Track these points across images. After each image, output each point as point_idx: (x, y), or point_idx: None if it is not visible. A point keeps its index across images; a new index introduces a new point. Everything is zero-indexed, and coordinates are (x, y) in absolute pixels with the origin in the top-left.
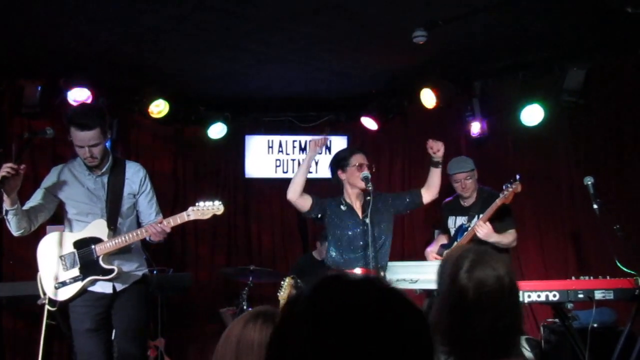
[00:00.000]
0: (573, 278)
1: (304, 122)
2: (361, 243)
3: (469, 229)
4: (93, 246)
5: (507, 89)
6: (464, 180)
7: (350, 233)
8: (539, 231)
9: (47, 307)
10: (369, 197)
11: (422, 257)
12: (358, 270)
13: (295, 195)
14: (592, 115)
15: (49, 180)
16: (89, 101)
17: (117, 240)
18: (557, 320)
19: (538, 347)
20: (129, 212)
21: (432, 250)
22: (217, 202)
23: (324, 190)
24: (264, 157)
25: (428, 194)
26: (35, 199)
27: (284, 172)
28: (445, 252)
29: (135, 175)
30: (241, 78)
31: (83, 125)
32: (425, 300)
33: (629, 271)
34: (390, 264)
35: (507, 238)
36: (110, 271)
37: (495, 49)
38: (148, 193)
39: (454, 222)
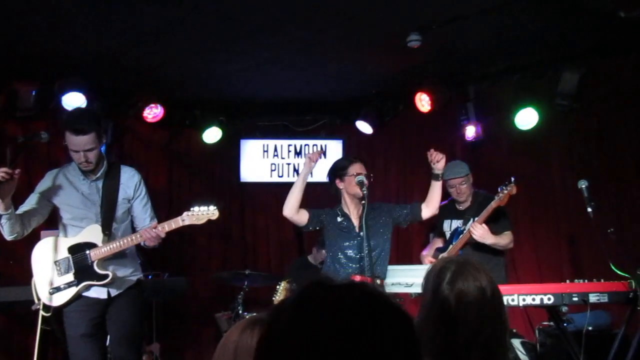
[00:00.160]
0: (567, 281)
1: (299, 126)
2: (358, 254)
3: (465, 232)
4: (87, 251)
5: (502, 93)
6: (459, 186)
7: (346, 244)
8: (534, 234)
9: (41, 312)
10: (363, 202)
11: (417, 261)
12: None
13: (292, 212)
14: (586, 119)
15: (43, 184)
16: (84, 105)
17: (111, 246)
18: (552, 323)
19: (533, 350)
20: (124, 217)
21: (427, 253)
22: (211, 207)
23: (319, 196)
24: (259, 161)
25: (428, 209)
26: (30, 203)
27: (279, 176)
28: (430, 262)
29: (130, 180)
30: (236, 82)
31: (78, 130)
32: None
33: (623, 274)
34: None
35: (504, 239)
36: (105, 276)
37: (490, 53)
38: (143, 198)
39: (450, 225)
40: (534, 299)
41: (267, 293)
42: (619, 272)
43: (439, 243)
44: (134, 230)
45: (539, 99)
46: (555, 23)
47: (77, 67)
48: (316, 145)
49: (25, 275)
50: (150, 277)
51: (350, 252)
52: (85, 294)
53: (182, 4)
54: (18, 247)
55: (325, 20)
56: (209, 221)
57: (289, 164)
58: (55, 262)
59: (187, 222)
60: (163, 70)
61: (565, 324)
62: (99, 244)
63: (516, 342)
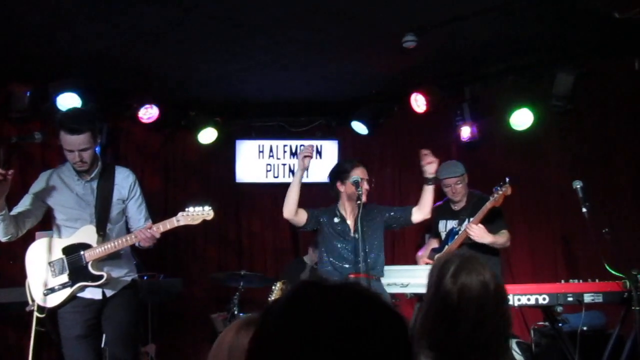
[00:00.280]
0: (562, 281)
1: (294, 127)
2: (353, 255)
3: (460, 232)
4: (82, 252)
5: (497, 94)
6: (454, 185)
7: (342, 245)
8: (529, 234)
9: (35, 313)
10: (358, 202)
11: (413, 262)
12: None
13: (292, 213)
14: (580, 120)
15: (37, 185)
16: (78, 105)
17: (106, 246)
18: (547, 323)
19: (528, 350)
20: (118, 217)
21: (423, 254)
22: (206, 208)
23: (314, 197)
24: (255, 161)
25: (419, 213)
26: (24, 204)
27: (274, 177)
28: (436, 256)
29: (124, 180)
30: (231, 83)
31: (73, 129)
32: (416, 304)
33: (617, 274)
34: None
35: (502, 238)
36: (100, 277)
37: (485, 54)
38: (137, 199)
39: (445, 226)
40: (529, 299)
41: (263, 294)
42: (613, 273)
43: (434, 244)
44: (128, 231)
45: (534, 100)
46: (550, 24)
47: (72, 67)
48: (311, 145)
49: (19, 276)
50: (145, 277)
51: (345, 253)
52: (80, 294)
53: (179, 4)
54: (13, 247)
55: (321, 22)
56: (204, 221)
57: (284, 165)
58: (50, 263)
59: (182, 223)
60: (158, 70)
61: (560, 324)
62: (94, 244)
63: (511, 342)
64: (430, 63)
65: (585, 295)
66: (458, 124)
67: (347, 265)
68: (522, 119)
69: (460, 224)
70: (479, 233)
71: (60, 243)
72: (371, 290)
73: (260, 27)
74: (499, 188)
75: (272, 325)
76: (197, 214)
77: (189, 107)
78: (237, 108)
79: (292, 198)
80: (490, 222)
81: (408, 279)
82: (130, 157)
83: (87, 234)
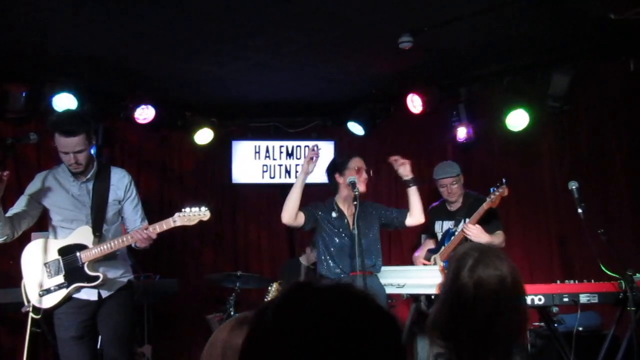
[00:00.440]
0: (558, 282)
1: (291, 128)
2: (350, 252)
3: (457, 233)
4: (78, 253)
5: (493, 95)
6: (450, 185)
7: (339, 241)
8: (524, 235)
9: (31, 314)
10: (355, 202)
11: (409, 262)
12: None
13: (292, 218)
14: (576, 121)
15: (32, 186)
16: (74, 107)
17: (102, 247)
18: (542, 324)
19: (524, 351)
20: (114, 218)
21: (419, 255)
22: (203, 208)
23: (312, 196)
24: (251, 162)
25: (411, 218)
26: (19, 205)
27: (271, 178)
28: (432, 257)
29: (120, 181)
30: (227, 83)
31: (68, 132)
32: (412, 304)
33: (613, 275)
34: None
35: (498, 239)
36: (96, 278)
37: (481, 55)
38: (133, 199)
39: (441, 226)
40: None
41: (259, 295)
42: (609, 273)
43: (430, 244)
44: (124, 231)
45: (530, 101)
46: (546, 25)
47: (68, 68)
48: (308, 146)
49: (15, 277)
50: (143, 277)
51: (343, 249)
52: (75, 295)
53: (175, 5)
54: (9, 248)
55: (317, 23)
56: (201, 222)
57: (280, 165)
58: (45, 264)
59: (178, 223)
60: (154, 71)
61: (555, 325)
62: (90, 245)
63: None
64: (426, 64)
65: (581, 295)
66: (454, 125)
67: (345, 262)
68: (518, 119)
69: (456, 224)
70: (476, 233)
71: (56, 244)
72: (364, 291)
73: (257, 28)
74: (495, 189)
75: (265, 327)
76: (194, 214)
77: (185, 107)
78: (234, 109)
79: (292, 202)
80: (487, 223)
81: (404, 280)
82: (126, 158)
83: (83, 234)
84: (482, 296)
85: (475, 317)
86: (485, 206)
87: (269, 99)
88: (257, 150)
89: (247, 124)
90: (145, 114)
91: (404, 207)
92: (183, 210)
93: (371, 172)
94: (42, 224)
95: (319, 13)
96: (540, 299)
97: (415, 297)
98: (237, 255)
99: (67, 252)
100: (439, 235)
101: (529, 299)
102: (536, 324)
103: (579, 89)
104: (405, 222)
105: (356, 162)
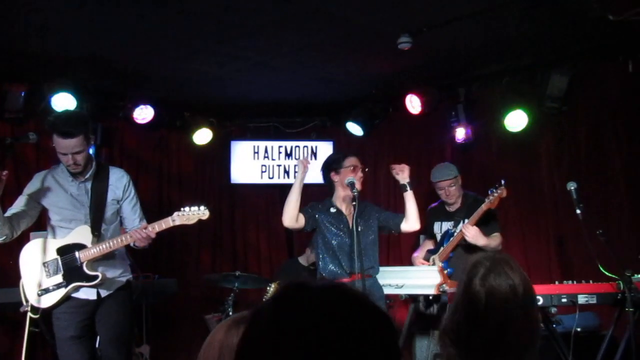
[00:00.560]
0: (556, 282)
1: (289, 128)
2: (350, 252)
3: (455, 234)
4: (77, 252)
5: (491, 95)
6: (448, 188)
7: (339, 241)
8: (523, 236)
9: (29, 314)
10: (354, 203)
11: (408, 263)
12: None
13: (293, 221)
14: (575, 121)
15: (31, 186)
16: (73, 106)
17: (101, 247)
18: (541, 324)
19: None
20: (113, 218)
21: (418, 255)
22: (202, 207)
23: (310, 196)
24: (250, 162)
25: (406, 224)
26: (18, 205)
27: (269, 178)
28: (431, 257)
29: (118, 181)
30: (226, 83)
31: (66, 133)
32: (411, 305)
33: (611, 275)
34: None
35: (495, 241)
36: (95, 277)
37: (480, 56)
38: (132, 199)
39: (440, 227)
40: None
41: (258, 295)
42: (607, 274)
43: (429, 245)
44: (123, 231)
45: (528, 102)
46: (545, 26)
47: (67, 68)
48: (306, 146)
49: (13, 276)
50: (141, 277)
51: (343, 251)
52: (74, 295)
53: (174, 5)
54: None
55: (316, 23)
56: (200, 221)
57: (279, 166)
58: (44, 263)
59: (177, 222)
60: (153, 71)
61: (554, 325)
62: (88, 245)
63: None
64: (425, 64)
65: (579, 296)
66: (453, 125)
67: (344, 263)
68: (516, 120)
69: (455, 225)
70: (473, 234)
71: (54, 243)
72: (359, 291)
73: (256, 28)
74: (494, 190)
75: (260, 327)
76: (193, 213)
77: (184, 107)
78: (232, 109)
79: (292, 206)
80: (485, 224)
81: (403, 280)
82: (125, 158)
83: (81, 234)
84: (494, 305)
85: (486, 325)
86: (484, 207)
87: (268, 99)
88: (256, 151)
89: (246, 124)
90: (144, 114)
91: (402, 211)
92: (182, 209)
93: (366, 170)
94: (41, 223)
95: (318, 13)
96: (538, 300)
97: (413, 298)
98: (235, 255)
99: (66, 251)
100: (438, 236)
101: None
102: None
103: (578, 89)
104: (401, 227)
105: (351, 161)
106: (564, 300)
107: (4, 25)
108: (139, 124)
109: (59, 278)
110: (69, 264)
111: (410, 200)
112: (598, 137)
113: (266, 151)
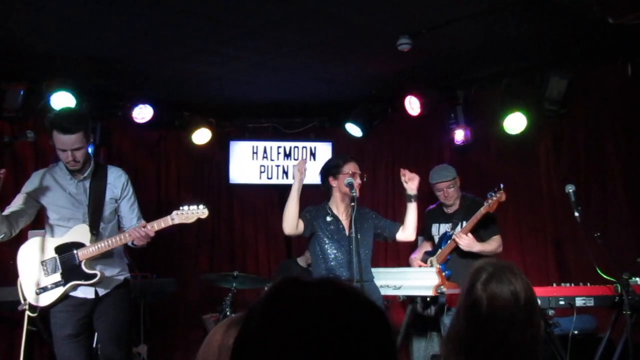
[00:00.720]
0: (554, 285)
1: (288, 128)
2: (346, 257)
3: (454, 235)
4: (75, 251)
5: (491, 98)
6: (446, 189)
7: (335, 246)
8: (521, 238)
9: (27, 313)
10: (353, 204)
11: (405, 264)
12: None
13: (293, 228)
14: (573, 124)
15: (30, 185)
16: (72, 105)
17: (99, 245)
18: (543, 331)
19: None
20: (111, 217)
21: (416, 257)
22: (201, 206)
23: (309, 197)
24: (249, 162)
25: (403, 233)
26: (16, 203)
27: (268, 178)
28: (429, 259)
29: (117, 180)
30: (226, 84)
31: (66, 129)
32: (409, 306)
33: (609, 278)
34: (373, 270)
35: (491, 245)
36: (93, 276)
37: (479, 58)
38: (130, 198)
39: (438, 229)
40: None
41: (255, 295)
42: (605, 277)
43: (427, 247)
44: (120, 230)
45: (527, 104)
46: (544, 28)
47: (66, 67)
48: (305, 147)
49: (10, 275)
50: (140, 277)
51: (339, 254)
52: (72, 293)
53: (173, 5)
54: (6, 247)
55: (316, 24)
56: (199, 220)
57: (278, 166)
58: (42, 262)
59: (176, 221)
60: (152, 71)
61: (551, 328)
62: (87, 243)
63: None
64: (424, 66)
65: (577, 299)
66: (452, 127)
67: (341, 270)
68: (515, 122)
69: (453, 227)
70: (467, 243)
71: (53, 242)
72: (353, 286)
73: (256, 28)
74: (493, 194)
75: (254, 324)
76: (192, 212)
77: (183, 107)
78: (231, 109)
79: (291, 213)
80: (484, 228)
81: (401, 281)
82: (124, 157)
83: (80, 233)
84: (496, 311)
85: (489, 331)
86: (482, 211)
87: (267, 99)
88: (255, 151)
89: (245, 124)
90: (143, 113)
91: (400, 211)
92: (181, 208)
93: (365, 177)
94: (39, 222)
95: (318, 14)
96: None
97: (411, 299)
98: (233, 255)
99: (64, 250)
100: (436, 238)
101: None
102: None
103: (577, 92)
104: (396, 236)
105: (351, 167)
106: (561, 302)
107: (4, 24)
108: (138, 123)
109: (57, 277)
110: (68, 263)
111: (412, 212)
112: (597, 140)
113: (265, 151)
